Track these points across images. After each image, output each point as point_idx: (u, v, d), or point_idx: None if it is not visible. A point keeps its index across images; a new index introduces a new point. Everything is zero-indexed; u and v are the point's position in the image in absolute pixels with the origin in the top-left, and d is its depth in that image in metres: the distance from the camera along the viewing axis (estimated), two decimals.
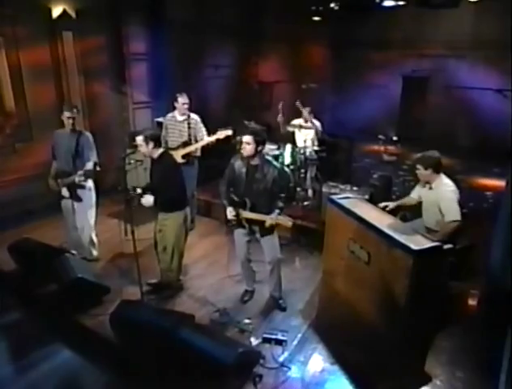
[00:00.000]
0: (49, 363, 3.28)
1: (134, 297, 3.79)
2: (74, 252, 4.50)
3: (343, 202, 4.06)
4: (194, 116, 5.10)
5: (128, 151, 3.69)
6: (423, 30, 9.33)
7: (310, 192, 5.75)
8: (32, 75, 5.65)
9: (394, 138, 8.51)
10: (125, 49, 6.51)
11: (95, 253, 4.60)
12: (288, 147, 5.62)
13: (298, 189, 5.62)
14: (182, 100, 4.95)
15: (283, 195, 3.53)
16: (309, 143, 5.63)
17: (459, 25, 8.74)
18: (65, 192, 4.24)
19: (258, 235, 3.69)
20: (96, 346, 3.47)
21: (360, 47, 10.16)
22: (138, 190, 3.67)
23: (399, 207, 4.12)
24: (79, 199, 4.27)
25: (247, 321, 3.65)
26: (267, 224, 3.42)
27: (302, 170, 5.51)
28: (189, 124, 5.04)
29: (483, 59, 8.46)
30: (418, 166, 3.77)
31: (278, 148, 5.80)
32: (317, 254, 4.84)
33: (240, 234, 3.78)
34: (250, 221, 3.60)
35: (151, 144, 3.60)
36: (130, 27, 6.50)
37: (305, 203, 5.58)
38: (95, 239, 4.57)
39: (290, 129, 5.60)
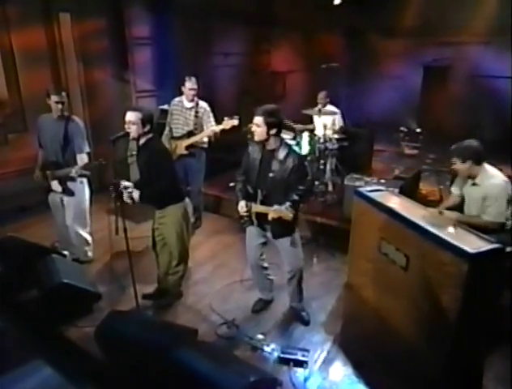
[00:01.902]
0: (24, 383, 2.69)
1: (129, 304, 3.18)
2: (65, 253, 3.92)
3: (373, 195, 3.38)
4: (202, 104, 4.47)
5: (119, 133, 3.06)
6: (444, 16, 8.55)
7: (330, 186, 5.06)
8: (25, 60, 5.07)
9: (418, 130, 7.80)
10: (127, 32, 5.88)
11: (89, 253, 4.00)
12: (306, 135, 4.94)
13: (316, 182, 4.94)
14: (189, 84, 4.33)
15: (301, 188, 2.87)
16: (329, 131, 4.94)
17: (483, 9, 7.95)
18: (56, 186, 3.64)
19: (269, 234, 3.04)
20: (80, 363, 2.85)
21: (378, 35, 9.48)
22: (126, 184, 3.00)
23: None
24: (71, 193, 3.67)
25: (260, 336, 2.99)
26: (270, 216, 2.76)
27: (321, 161, 4.81)
28: (196, 112, 4.42)
29: (509, 45, 7.64)
30: (454, 160, 3.10)
31: (294, 138, 5.13)
32: (339, 255, 4.18)
33: (252, 234, 3.13)
34: (259, 217, 2.94)
35: (148, 127, 2.95)
36: (132, 10, 5.86)
37: (325, 198, 4.90)
38: (89, 238, 3.96)
39: (308, 112, 4.88)
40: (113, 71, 5.99)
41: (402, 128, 7.95)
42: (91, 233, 3.99)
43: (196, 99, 4.44)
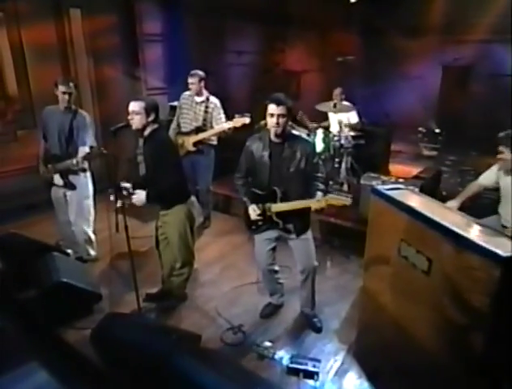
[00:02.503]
0: (18, 387, 2.52)
1: (131, 306, 2.99)
2: (69, 251, 3.76)
3: (392, 193, 3.13)
4: (213, 99, 4.28)
5: (120, 124, 2.88)
6: (465, 13, 8.19)
7: (346, 185, 4.80)
8: (35, 57, 4.97)
9: (437, 130, 7.48)
10: (138, 28, 5.75)
11: (92, 252, 3.83)
12: (320, 132, 4.70)
13: (331, 182, 4.69)
14: (190, 79, 4.18)
15: (320, 175, 2.65)
16: (344, 128, 4.69)
17: (506, 5, 7.59)
18: (57, 179, 3.50)
19: (292, 236, 2.79)
20: (76, 368, 2.67)
21: (396, 34, 9.17)
22: (125, 185, 2.82)
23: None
24: (73, 187, 3.51)
25: (268, 344, 2.76)
26: (313, 207, 2.52)
27: (336, 160, 4.56)
28: (206, 107, 4.23)
29: None
30: (501, 148, 2.83)
31: (308, 135, 4.89)
32: (354, 258, 3.92)
33: (262, 240, 2.89)
34: (284, 216, 2.71)
35: (152, 116, 2.76)
36: (143, 5, 5.74)
37: None
38: (92, 236, 3.79)
39: (322, 108, 4.63)
40: (123, 68, 5.86)
41: (420, 129, 7.63)
42: (94, 231, 3.82)
43: (206, 93, 4.26)
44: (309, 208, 2.61)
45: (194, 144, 4.22)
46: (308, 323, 3.00)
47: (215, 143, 4.37)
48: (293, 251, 2.87)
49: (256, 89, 7.49)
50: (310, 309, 3.01)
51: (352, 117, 4.99)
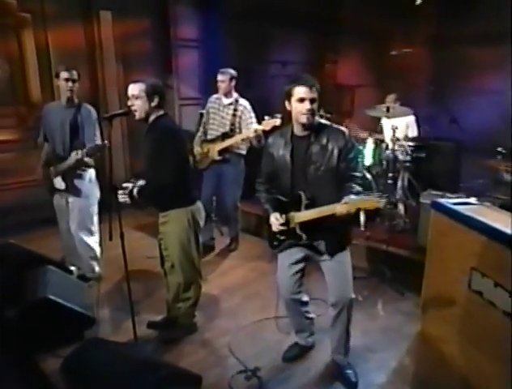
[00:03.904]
0: None
1: (129, 334, 2.65)
2: (72, 268, 3.55)
3: (461, 208, 2.61)
4: (242, 101, 4.05)
5: (118, 111, 2.66)
6: None
7: (401, 207, 4.27)
8: (61, 61, 4.97)
9: None
10: (172, 33, 5.76)
11: (96, 268, 3.58)
12: (370, 141, 4.26)
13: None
14: (220, 77, 4.03)
15: (358, 174, 2.23)
16: (401, 136, 4.22)
17: None
18: (59, 183, 3.34)
19: (324, 256, 2.37)
20: None
21: (466, 43, 8.62)
22: (125, 185, 2.57)
23: None
24: (77, 192, 3.34)
25: None
26: (338, 212, 2.07)
27: (390, 175, 4.07)
28: (235, 110, 4.00)
29: None
30: None
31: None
32: (410, 295, 3.39)
33: (286, 260, 2.48)
34: (311, 229, 2.29)
35: (156, 100, 2.53)
36: (178, 8, 5.76)
37: (394, 222, 4.13)
38: (97, 250, 3.55)
39: (373, 113, 4.16)
40: (154, 75, 5.82)
41: (499, 149, 6.89)
42: (100, 245, 3.59)
43: (236, 95, 4.04)
44: (347, 221, 2.18)
45: (220, 152, 3.96)
46: (339, 375, 2.48)
47: (244, 152, 4.10)
48: (326, 276, 2.42)
49: None
50: (343, 357, 2.50)
51: (411, 125, 4.51)
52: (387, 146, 4.17)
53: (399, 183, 4.30)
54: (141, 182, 2.58)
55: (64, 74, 3.22)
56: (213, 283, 3.64)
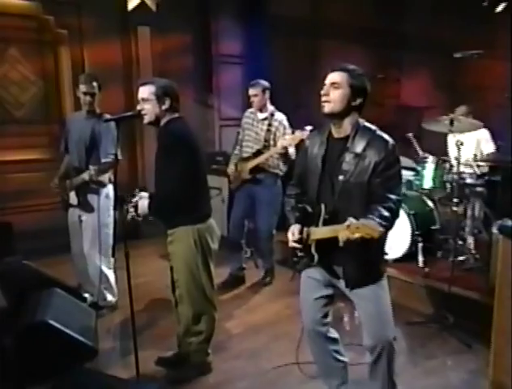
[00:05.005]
0: None
1: (132, 370, 2.52)
2: (86, 295, 3.54)
3: None
4: (278, 115, 3.98)
5: (126, 113, 2.64)
6: None
7: (471, 240, 3.87)
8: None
9: None
10: (213, 49, 5.95)
11: (109, 297, 3.54)
12: (431, 160, 3.94)
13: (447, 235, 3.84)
14: (251, 90, 3.95)
15: (394, 197, 1.99)
16: (470, 156, 3.88)
17: None
18: (73, 198, 3.39)
19: (342, 284, 2.15)
20: None
21: None
22: (143, 194, 2.51)
23: None
24: (90, 209, 3.35)
25: None
26: (341, 236, 1.86)
27: (455, 200, 3.70)
28: (269, 125, 3.93)
29: None
30: None
31: (414, 170, 4.19)
32: (479, 348, 3.00)
33: (309, 282, 2.28)
34: (327, 249, 2.08)
35: (167, 103, 2.49)
36: (221, 22, 5.94)
37: (462, 259, 3.74)
38: (111, 276, 3.52)
39: (433, 127, 3.83)
40: (194, 94, 5.99)
41: None
42: (115, 270, 3.54)
43: (272, 108, 3.98)
44: (374, 246, 1.97)
45: (251, 171, 3.86)
46: None
47: (281, 172, 3.96)
48: (358, 312, 2.17)
49: None
50: None
51: (484, 141, 4.15)
52: (451, 166, 3.83)
53: (469, 212, 3.93)
54: (143, 194, 2.49)
55: (83, 88, 3.32)
56: (239, 319, 3.51)
